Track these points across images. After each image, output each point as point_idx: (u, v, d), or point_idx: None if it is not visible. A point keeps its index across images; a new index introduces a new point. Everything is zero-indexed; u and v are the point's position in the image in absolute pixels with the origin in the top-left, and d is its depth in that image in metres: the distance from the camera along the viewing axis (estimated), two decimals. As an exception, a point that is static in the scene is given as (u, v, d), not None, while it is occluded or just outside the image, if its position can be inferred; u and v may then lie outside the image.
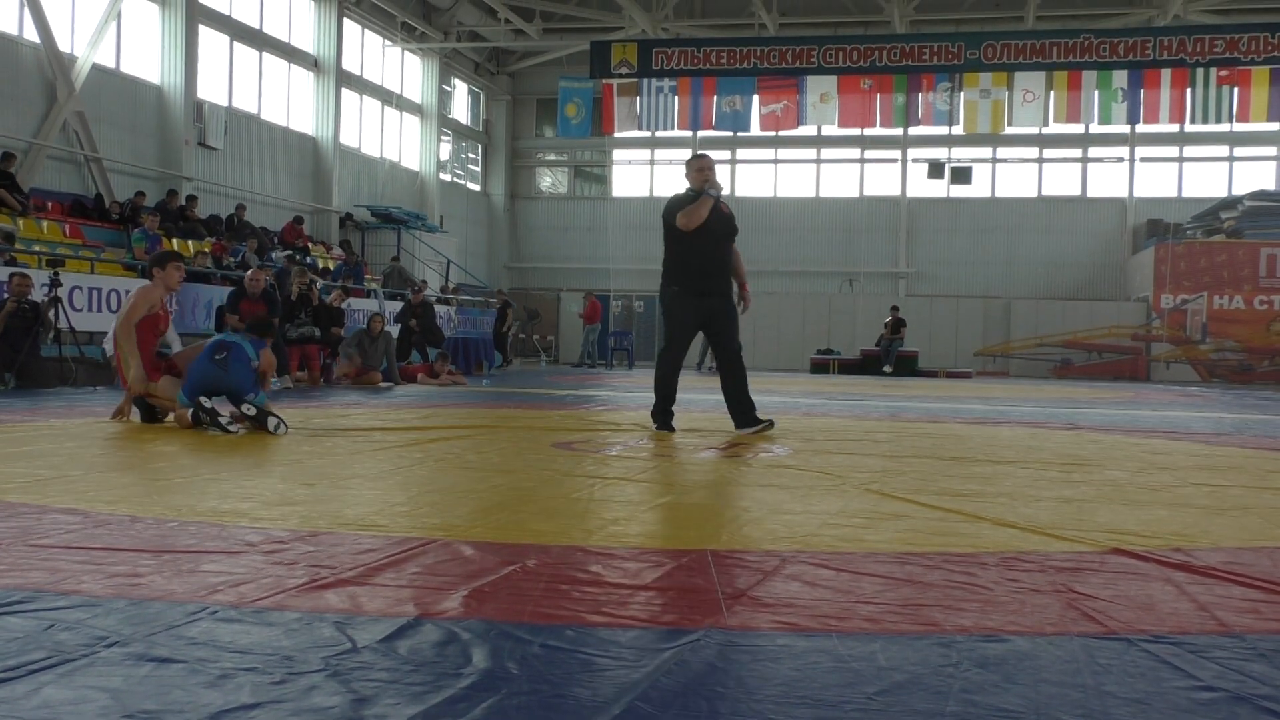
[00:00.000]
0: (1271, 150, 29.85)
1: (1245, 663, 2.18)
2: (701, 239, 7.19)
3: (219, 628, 2.28)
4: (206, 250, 17.29)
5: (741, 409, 7.34)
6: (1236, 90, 19.33)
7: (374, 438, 6.63)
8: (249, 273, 13.05)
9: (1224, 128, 25.05)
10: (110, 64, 19.08)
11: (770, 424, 7.34)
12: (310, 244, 22.74)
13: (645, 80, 20.85)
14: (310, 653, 2.10)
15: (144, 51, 19.85)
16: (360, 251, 25.13)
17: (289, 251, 20.07)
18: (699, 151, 7.77)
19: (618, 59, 20.54)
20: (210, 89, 21.22)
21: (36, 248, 14.34)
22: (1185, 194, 30.15)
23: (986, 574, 2.97)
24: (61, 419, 7.42)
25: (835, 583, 2.85)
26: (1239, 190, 28.90)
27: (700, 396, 12.55)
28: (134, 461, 5.15)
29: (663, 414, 7.42)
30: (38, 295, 11.50)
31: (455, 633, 2.27)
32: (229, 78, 22.00)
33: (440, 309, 21.04)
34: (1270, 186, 29.00)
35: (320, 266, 20.69)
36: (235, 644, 2.16)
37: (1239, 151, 30.03)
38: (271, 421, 6.62)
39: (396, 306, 19.43)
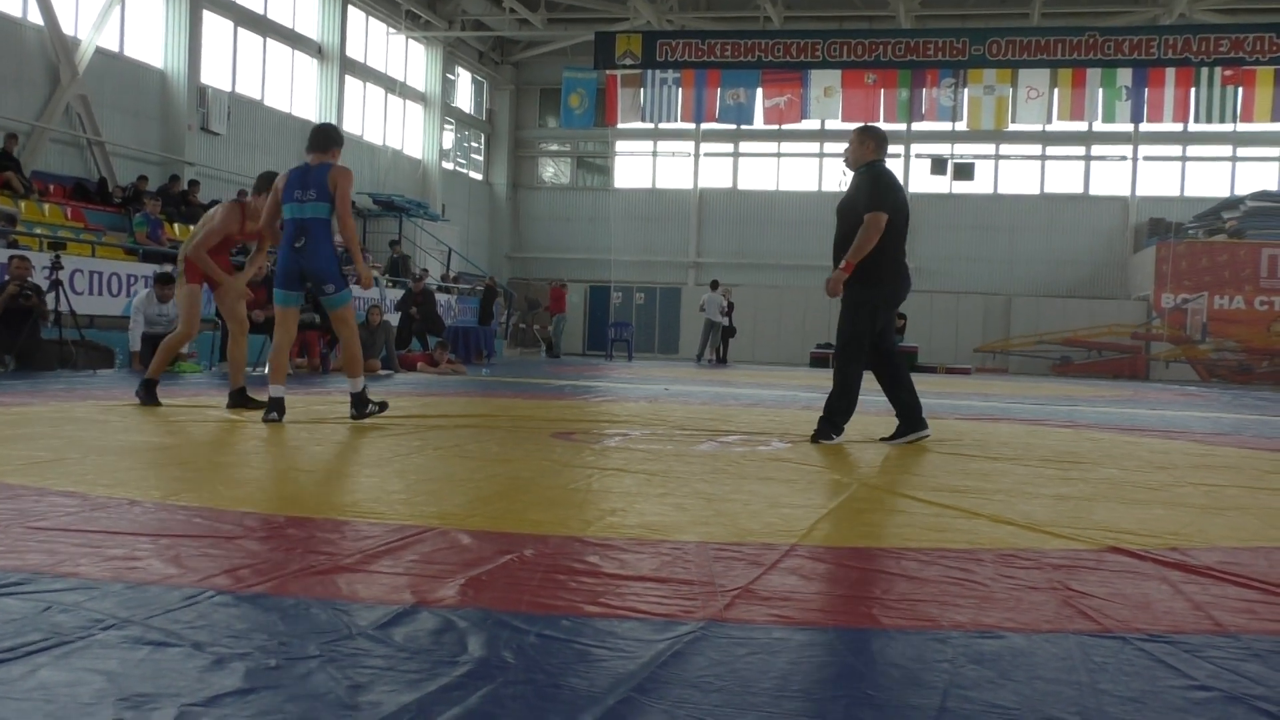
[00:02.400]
0: (1275, 151, 29.79)
1: (1240, 662, 2.19)
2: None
3: (216, 612, 2.28)
4: (208, 235, 17.27)
5: (824, 413, 6.56)
6: (1241, 90, 19.30)
7: (372, 426, 6.63)
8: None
9: (1228, 128, 25.01)
10: (114, 48, 19.06)
11: (823, 437, 6.48)
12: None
13: (649, 72, 20.80)
14: (307, 638, 2.11)
15: (148, 36, 19.82)
16: (362, 239, 25.11)
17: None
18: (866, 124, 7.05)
19: (622, 50, 20.47)
20: (213, 74, 21.19)
21: (38, 230, 14.32)
22: (1187, 193, 30.11)
23: (983, 570, 2.97)
24: (61, 402, 7.43)
25: (832, 576, 2.85)
26: (1241, 190, 28.88)
27: (700, 389, 12.55)
28: (133, 445, 5.16)
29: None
30: (39, 278, 11.49)
31: (452, 621, 2.27)
32: (232, 63, 21.97)
33: (441, 298, 21.04)
34: (1273, 187, 28.95)
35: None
36: (232, 628, 2.16)
37: (1242, 152, 29.99)
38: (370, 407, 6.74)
39: (397, 295, 19.44)
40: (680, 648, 2.14)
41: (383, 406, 6.86)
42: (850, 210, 6.47)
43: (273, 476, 4.31)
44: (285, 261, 6.64)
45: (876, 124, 7.07)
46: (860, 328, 6.48)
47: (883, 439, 6.67)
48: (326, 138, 6.80)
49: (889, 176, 6.57)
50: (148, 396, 7.40)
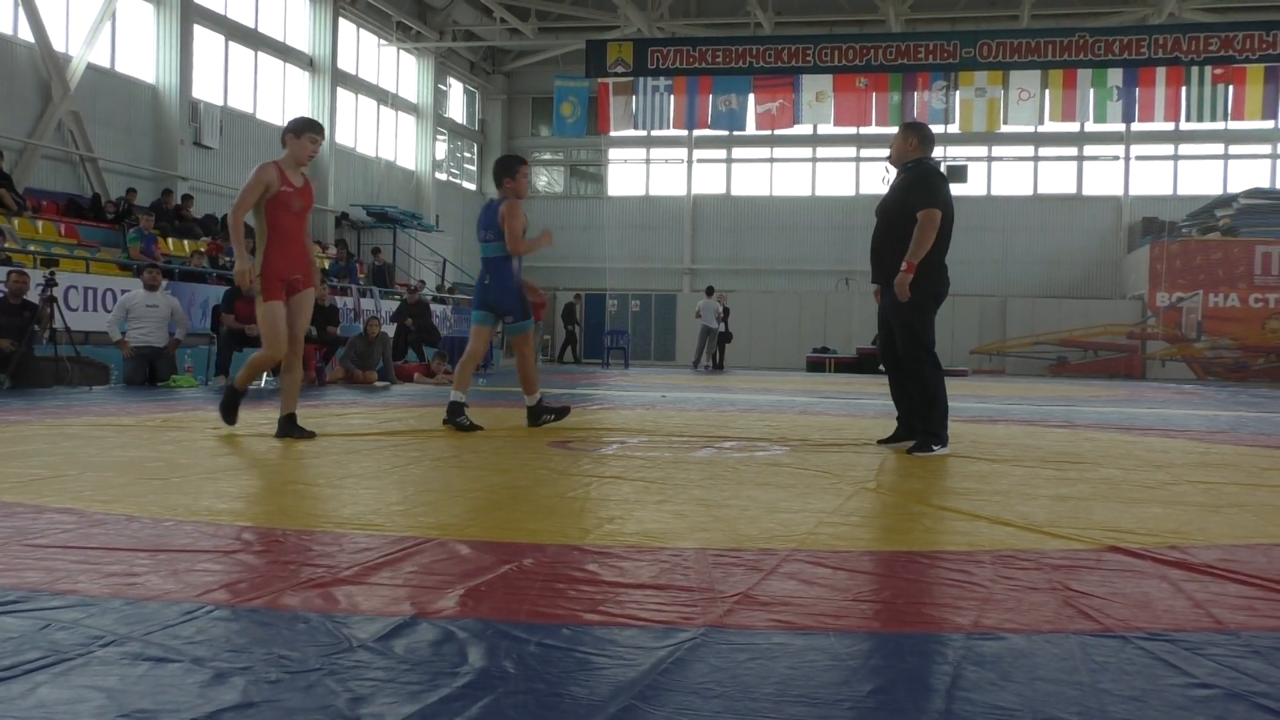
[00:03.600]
0: (1266, 148, 29.87)
1: (1240, 659, 2.19)
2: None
3: (215, 627, 2.27)
4: (202, 250, 17.28)
5: (916, 422, 6.33)
6: (1231, 88, 19.35)
7: (370, 437, 6.63)
8: (245, 273, 13.02)
9: (1219, 126, 25.08)
10: (105, 63, 19.06)
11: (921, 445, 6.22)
12: (306, 243, 22.70)
13: (641, 79, 20.85)
14: (307, 651, 2.10)
15: (139, 51, 19.83)
16: (356, 251, 25.11)
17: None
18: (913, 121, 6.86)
19: (613, 58, 20.53)
20: (205, 88, 21.20)
21: (32, 248, 14.31)
22: (1180, 192, 30.17)
23: (983, 572, 2.97)
24: (57, 418, 7.41)
25: (832, 581, 2.85)
26: (1234, 188, 28.93)
27: (696, 395, 12.55)
28: (130, 461, 5.15)
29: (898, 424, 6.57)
30: (33, 295, 11.48)
31: (451, 632, 2.27)
32: (224, 77, 21.98)
33: (436, 308, 21.03)
34: (1265, 184, 29.02)
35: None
36: (231, 643, 2.16)
37: (1234, 149, 30.06)
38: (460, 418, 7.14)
39: (387, 306, 19.46)
40: (681, 654, 2.14)
41: (561, 414, 7.58)
42: (894, 208, 6.30)
43: (270, 489, 4.30)
44: (475, 291, 7.58)
45: (922, 122, 6.85)
46: (918, 327, 6.25)
47: (880, 441, 6.67)
48: (497, 170, 7.54)
49: (939, 174, 6.40)
50: (229, 414, 6.66)
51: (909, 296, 6.15)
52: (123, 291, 13.25)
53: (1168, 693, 1.97)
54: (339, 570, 2.81)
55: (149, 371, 12.11)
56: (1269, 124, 26.23)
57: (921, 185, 6.23)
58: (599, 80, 21.11)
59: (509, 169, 7.40)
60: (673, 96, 20.98)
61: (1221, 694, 1.97)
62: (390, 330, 16.69)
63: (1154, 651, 2.23)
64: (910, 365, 6.31)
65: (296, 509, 3.83)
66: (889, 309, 6.35)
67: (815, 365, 26.18)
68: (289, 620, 2.34)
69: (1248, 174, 29.77)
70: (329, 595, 2.56)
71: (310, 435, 6.46)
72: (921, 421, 6.27)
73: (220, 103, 21.70)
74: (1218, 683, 2.03)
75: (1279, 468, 5.90)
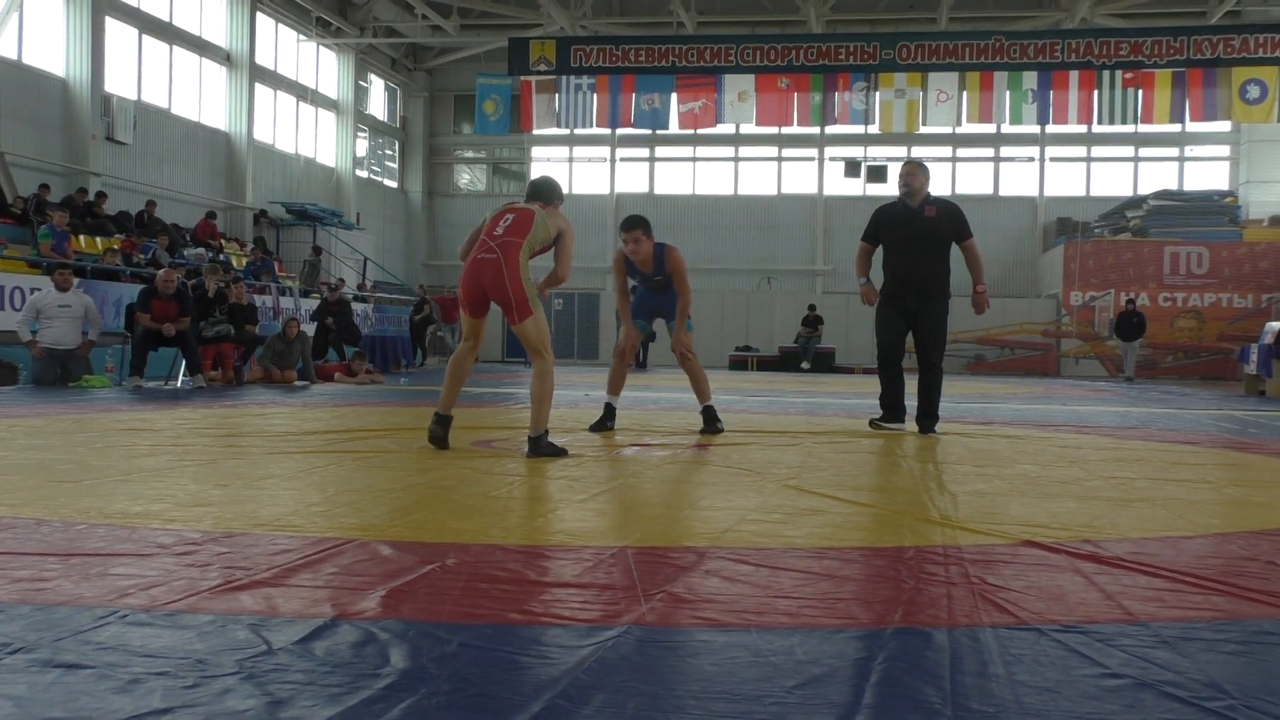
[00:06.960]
0: (1174, 151, 30.68)
1: (1150, 650, 2.24)
2: (892, 248, 7.78)
3: (129, 632, 2.23)
4: (116, 248, 16.89)
5: (922, 413, 7.90)
6: (1141, 93, 19.82)
7: (289, 437, 6.54)
8: (160, 272, 12.80)
9: (1129, 129, 25.67)
10: (11, 55, 18.56)
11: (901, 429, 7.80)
12: (224, 241, 22.34)
13: (564, 78, 20.80)
14: (224, 655, 2.07)
15: (48, 43, 19.34)
16: (275, 249, 24.76)
17: (200, 249, 19.69)
18: (911, 159, 8.08)
19: (536, 56, 20.47)
20: (118, 82, 20.74)
21: (-64, 245, 13.90)
22: (1093, 193, 30.87)
23: (901, 567, 3.01)
24: (-37, 421, 7.21)
25: (754, 578, 2.87)
26: (1144, 190, 29.70)
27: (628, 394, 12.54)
28: (40, 463, 5.02)
29: (885, 411, 8.06)
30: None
31: (373, 633, 2.25)
32: (138, 71, 21.53)
33: (357, 307, 20.80)
34: (1173, 186, 29.83)
35: (232, 264, 20.33)
36: (146, 648, 2.11)
37: (1143, 152, 30.83)
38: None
39: (306, 305, 19.22)
40: (604, 653, 2.14)
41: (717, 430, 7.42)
42: (936, 237, 7.71)
43: (187, 491, 4.22)
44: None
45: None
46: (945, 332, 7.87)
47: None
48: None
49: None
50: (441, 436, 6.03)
51: (988, 308, 7.92)
52: (32, 290, 12.93)
53: (1080, 683, 2.01)
54: (257, 572, 2.77)
55: (60, 372, 11.83)
56: (1176, 127, 26.95)
57: (962, 219, 7.82)
58: (522, 78, 21.03)
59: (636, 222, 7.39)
60: (596, 95, 20.95)
61: (1131, 683, 2.01)
62: (311, 329, 16.48)
63: (1067, 643, 2.28)
64: (937, 362, 7.88)
65: (213, 511, 3.76)
66: (918, 317, 7.84)
67: (738, 364, 26.34)
68: (206, 624, 2.30)
69: (1156, 176, 30.57)
70: (247, 598, 2.52)
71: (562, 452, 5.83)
72: (937, 405, 7.86)
73: (134, 97, 21.25)
74: (1128, 672, 2.08)
75: (1187, 463, 6.06)
